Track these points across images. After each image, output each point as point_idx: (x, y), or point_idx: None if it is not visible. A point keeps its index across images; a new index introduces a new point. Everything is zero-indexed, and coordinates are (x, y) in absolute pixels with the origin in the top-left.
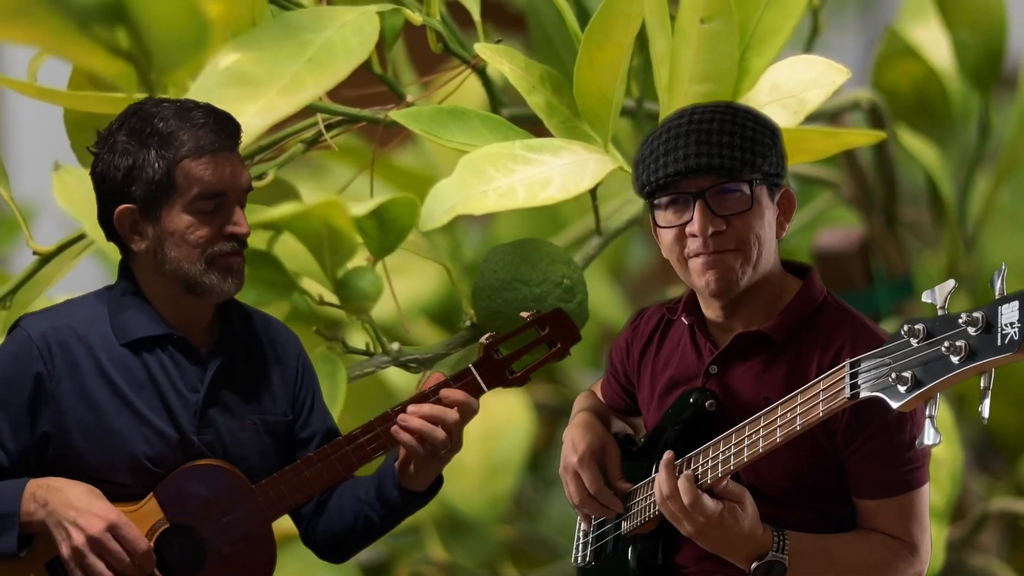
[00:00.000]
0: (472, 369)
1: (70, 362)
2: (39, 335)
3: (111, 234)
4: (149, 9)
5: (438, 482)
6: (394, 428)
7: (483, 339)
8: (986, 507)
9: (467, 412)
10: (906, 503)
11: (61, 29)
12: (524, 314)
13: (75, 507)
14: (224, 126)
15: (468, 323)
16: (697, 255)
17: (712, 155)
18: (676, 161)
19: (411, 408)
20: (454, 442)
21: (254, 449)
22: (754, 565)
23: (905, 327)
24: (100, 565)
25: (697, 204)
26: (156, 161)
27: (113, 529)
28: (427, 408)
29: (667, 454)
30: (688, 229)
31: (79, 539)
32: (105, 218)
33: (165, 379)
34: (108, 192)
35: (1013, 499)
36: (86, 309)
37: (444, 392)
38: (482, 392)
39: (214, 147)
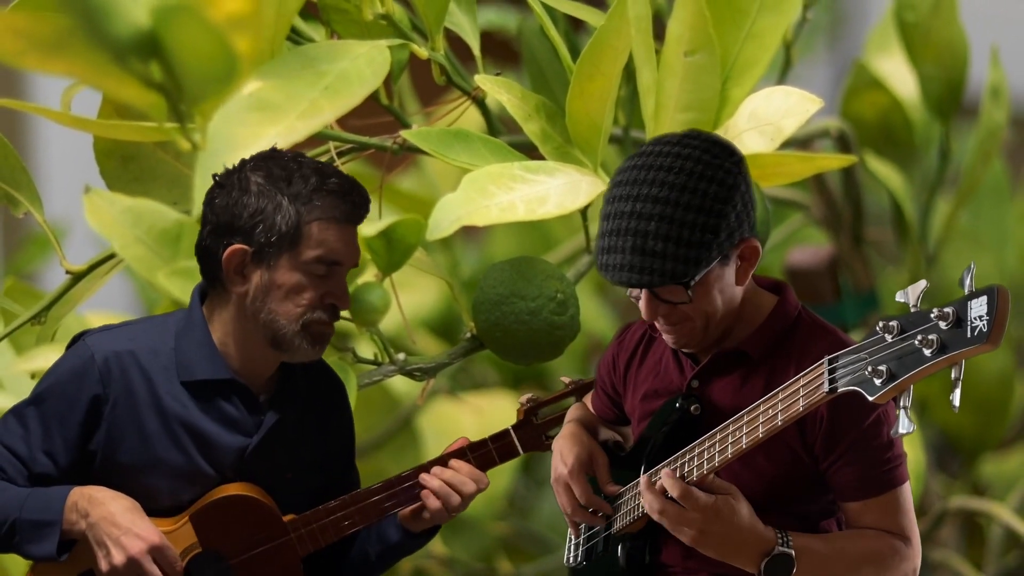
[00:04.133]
0: (511, 432)
1: (128, 390)
2: (102, 358)
3: (207, 264)
4: (183, 44)
5: (435, 526)
6: (431, 486)
7: (522, 401)
8: (945, 505)
9: (480, 484)
10: (891, 500)
11: (98, 62)
12: (565, 379)
13: (118, 524)
14: (359, 201)
15: (468, 334)
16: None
17: (645, 269)
18: (615, 269)
19: (435, 470)
20: (463, 506)
21: (287, 499)
22: (764, 562)
23: (880, 324)
24: None
25: (644, 294)
26: (288, 211)
27: (154, 551)
28: (449, 474)
29: (643, 478)
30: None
31: (119, 559)
32: (209, 248)
33: (219, 421)
34: (225, 225)
35: (970, 498)
36: (153, 337)
37: (454, 463)
38: (518, 454)
39: (347, 218)
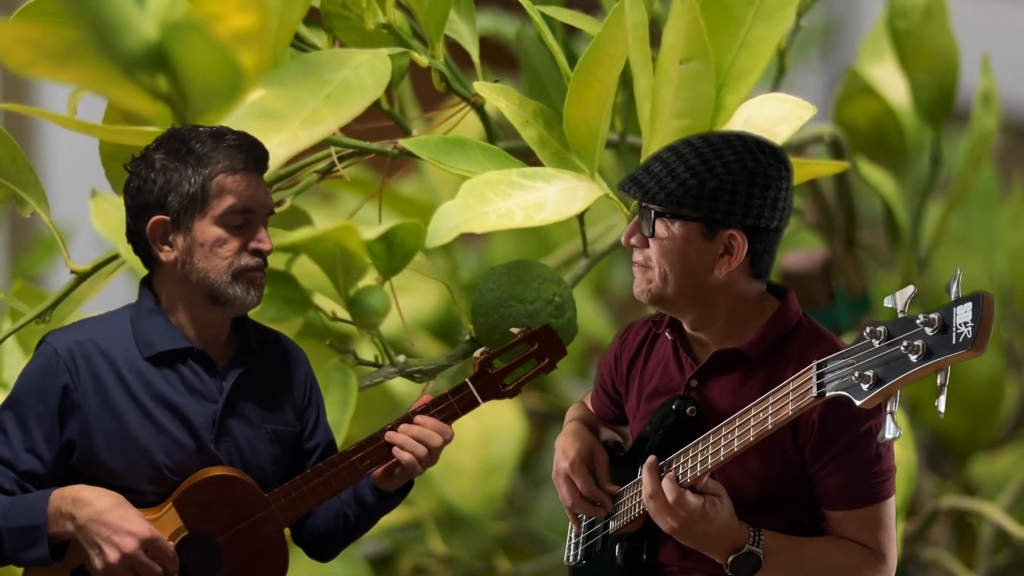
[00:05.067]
0: (469, 383)
1: (94, 375)
2: (64, 349)
3: (138, 248)
4: (190, 59)
5: (407, 485)
6: (399, 442)
7: (477, 354)
8: (936, 504)
9: (445, 436)
10: (872, 514)
11: (107, 73)
12: (515, 330)
13: (106, 523)
14: (255, 150)
15: (467, 337)
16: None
17: (635, 180)
18: (625, 179)
19: (402, 427)
20: (432, 458)
21: (267, 457)
22: (731, 557)
23: (867, 329)
24: None
25: (635, 217)
26: (192, 176)
27: (146, 545)
28: (415, 430)
29: (650, 458)
30: None
31: (113, 556)
32: (135, 231)
33: (185, 391)
34: (142, 205)
35: (960, 497)
36: (109, 325)
37: (419, 419)
38: (477, 404)
39: (246, 166)
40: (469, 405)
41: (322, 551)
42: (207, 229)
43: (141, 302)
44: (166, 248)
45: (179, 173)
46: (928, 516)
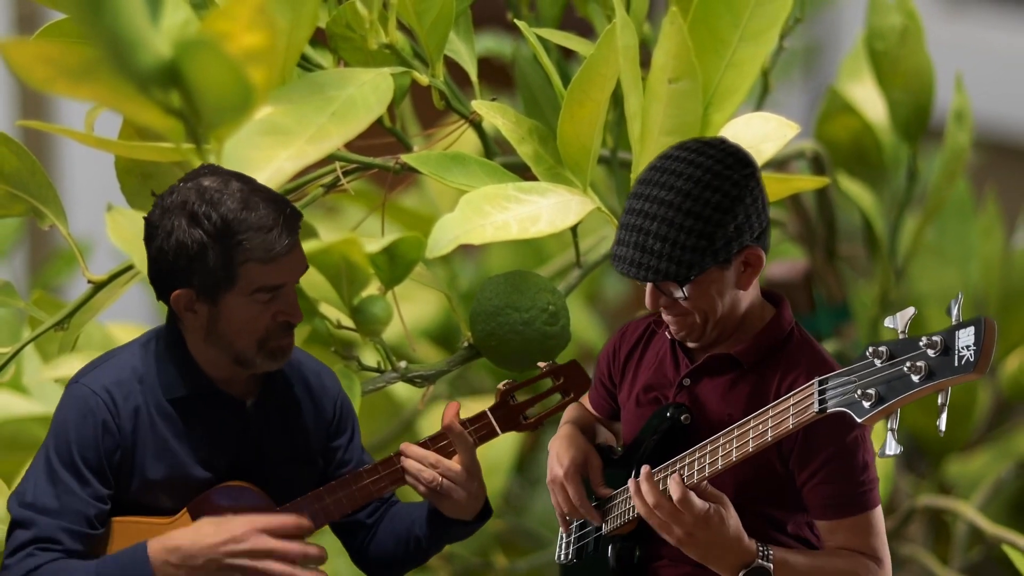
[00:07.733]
0: (488, 413)
1: (130, 414)
2: (103, 389)
3: (162, 299)
4: (202, 75)
5: (486, 511)
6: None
7: (500, 385)
8: (913, 503)
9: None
10: (864, 522)
11: (122, 90)
12: (541, 364)
13: (227, 541)
14: (291, 226)
15: (466, 344)
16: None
17: (643, 265)
18: (619, 260)
19: (411, 451)
20: (453, 480)
21: (285, 491)
22: (741, 574)
23: (870, 349)
24: (279, 567)
25: (648, 285)
26: (219, 254)
27: (266, 531)
28: (425, 454)
29: (644, 468)
30: None
31: (260, 564)
32: (158, 286)
33: (207, 430)
34: (163, 271)
35: (936, 496)
36: (136, 363)
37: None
38: (496, 435)
39: (279, 254)
40: (488, 436)
41: (388, 573)
42: (234, 306)
43: (169, 341)
44: (190, 315)
45: (205, 246)
46: (905, 514)
